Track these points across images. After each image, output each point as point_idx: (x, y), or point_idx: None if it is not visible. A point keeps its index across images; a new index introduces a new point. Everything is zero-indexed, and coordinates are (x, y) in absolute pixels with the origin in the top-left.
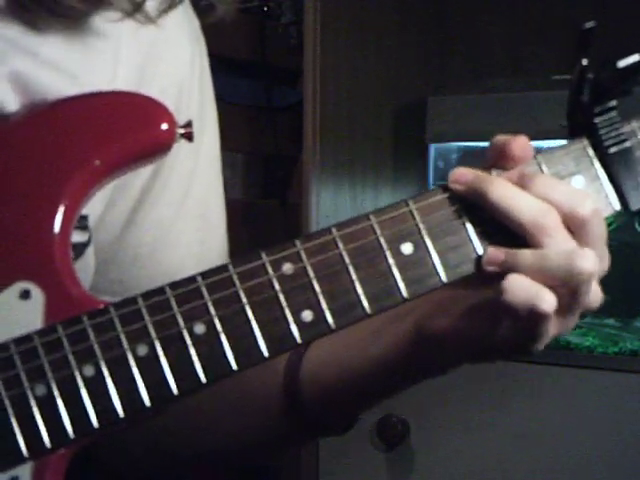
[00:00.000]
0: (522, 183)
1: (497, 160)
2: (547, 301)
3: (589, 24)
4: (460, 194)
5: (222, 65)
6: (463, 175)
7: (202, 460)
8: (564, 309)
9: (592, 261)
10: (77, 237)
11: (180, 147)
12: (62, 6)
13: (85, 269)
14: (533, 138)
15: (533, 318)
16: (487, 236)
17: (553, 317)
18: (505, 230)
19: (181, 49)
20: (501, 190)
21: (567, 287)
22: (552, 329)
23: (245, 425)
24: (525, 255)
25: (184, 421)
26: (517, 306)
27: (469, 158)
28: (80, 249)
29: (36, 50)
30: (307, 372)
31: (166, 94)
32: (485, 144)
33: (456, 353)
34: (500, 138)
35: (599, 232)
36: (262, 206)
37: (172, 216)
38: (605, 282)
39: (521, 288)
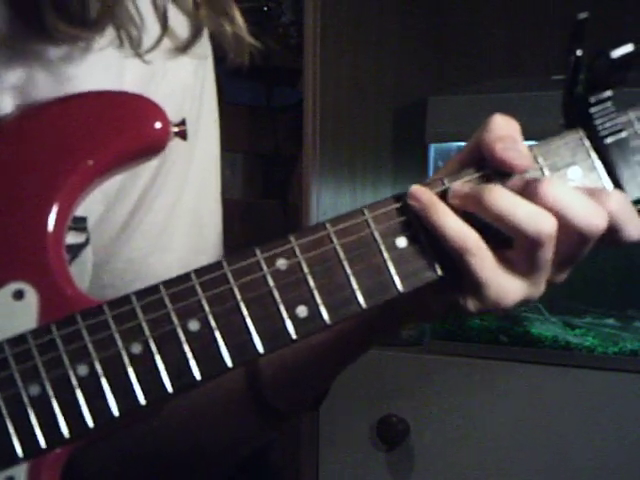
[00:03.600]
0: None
1: (494, 165)
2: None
3: (582, 15)
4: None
5: (222, 65)
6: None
7: (175, 467)
8: (523, 269)
9: (551, 224)
10: (74, 238)
11: (178, 151)
12: (53, 28)
13: (81, 270)
14: (533, 138)
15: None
16: (481, 229)
17: (512, 276)
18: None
19: (186, 59)
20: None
21: (523, 245)
22: (511, 288)
23: (214, 422)
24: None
25: (152, 429)
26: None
27: None
28: (76, 250)
29: (38, 59)
30: None
31: (169, 99)
32: None
33: (412, 315)
34: (499, 148)
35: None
36: (262, 206)
37: (164, 221)
38: (606, 282)
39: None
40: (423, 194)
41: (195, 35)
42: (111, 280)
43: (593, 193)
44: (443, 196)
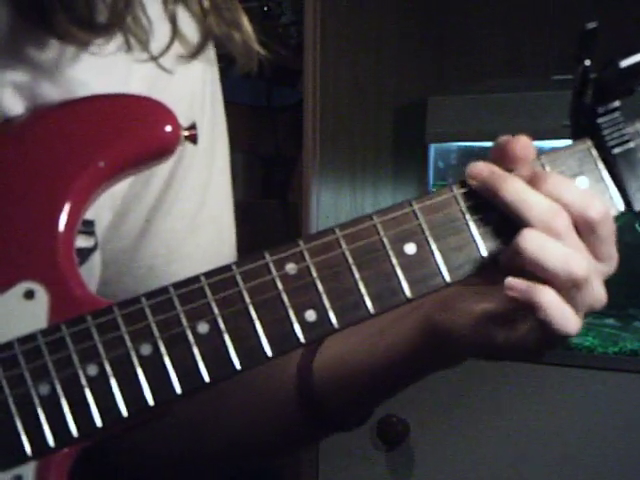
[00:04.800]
0: (534, 182)
1: (498, 160)
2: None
3: (591, 24)
4: (475, 189)
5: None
6: (480, 171)
7: (211, 462)
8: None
9: (584, 266)
10: (83, 242)
11: (194, 158)
12: (63, 31)
13: (90, 274)
14: (533, 138)
15: (546, 324)
16: (491, 236)
17: None
18: (510, 231)
19: (192, 64)
20: (514, 189)
21: (567, 290)
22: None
23: (258, 424)
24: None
25: (195, 420)
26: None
27: (468, 158)
28: (86, 254)
29: (44, 60)
30: (319, 372)
31: (177, 105)
32: (485, 144)
33: (462, 349)
34: (503, 138)
35: (608, 234)
36: (262, 206)
37: (186, 228)
38: (606, 282)
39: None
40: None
41: (205, 40)
42: (135, 286)
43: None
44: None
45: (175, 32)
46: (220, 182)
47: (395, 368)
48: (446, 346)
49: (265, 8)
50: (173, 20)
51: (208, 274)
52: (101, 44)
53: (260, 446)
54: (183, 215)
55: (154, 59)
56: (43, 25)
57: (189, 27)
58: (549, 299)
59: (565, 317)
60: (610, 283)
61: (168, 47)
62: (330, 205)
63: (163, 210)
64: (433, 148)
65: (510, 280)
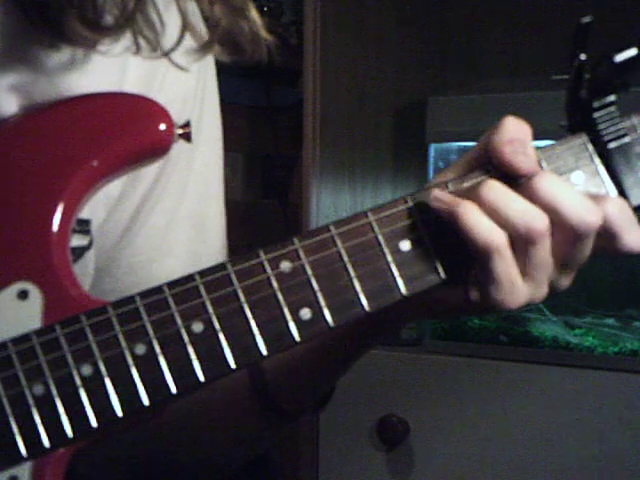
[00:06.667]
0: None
1: (501, 168)
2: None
3: (586, 19)
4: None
5: (222, 65)
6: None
7: (177, 469)
8: (522, 268)
9: (543, 221)
10: (78, 241)
11: (179, 155)
12: (72, 32)
13: (84, 272)
14: (533, 138)
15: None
16: None
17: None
18: None
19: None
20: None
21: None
22: (520, 289)
23: (216, 423)
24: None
25: (157, 429)
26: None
27: None
28: (80, 252)
29: (41, 62)
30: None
31: (171, 102)
32: None
33: (414, 314)
34: (508, 151)
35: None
36: (262, 206)
37: (165, 226)
38: (605, 282)
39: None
40: (447, 195)
41: (213, 32)
42: (112, 285)
43: (593, 197)
44: None
45: (185, 26)
46: (202, 181)
47: (339, 344)
48: (390, 314)
49: (265, 8)
50: (184, 13)
51: (203, 273)
52: (109, 44)
53: (221, 441)
54: (163, 213)
55: (165, 55)
56: (49, 26)
57: (197, 19)
58: (468, 207)
59: (486, 229)
60: (610, 283)
61: (179, 42)
62: (330, 205)
63: (147, 209)
64: (433, 148)
65: (436, 192)
